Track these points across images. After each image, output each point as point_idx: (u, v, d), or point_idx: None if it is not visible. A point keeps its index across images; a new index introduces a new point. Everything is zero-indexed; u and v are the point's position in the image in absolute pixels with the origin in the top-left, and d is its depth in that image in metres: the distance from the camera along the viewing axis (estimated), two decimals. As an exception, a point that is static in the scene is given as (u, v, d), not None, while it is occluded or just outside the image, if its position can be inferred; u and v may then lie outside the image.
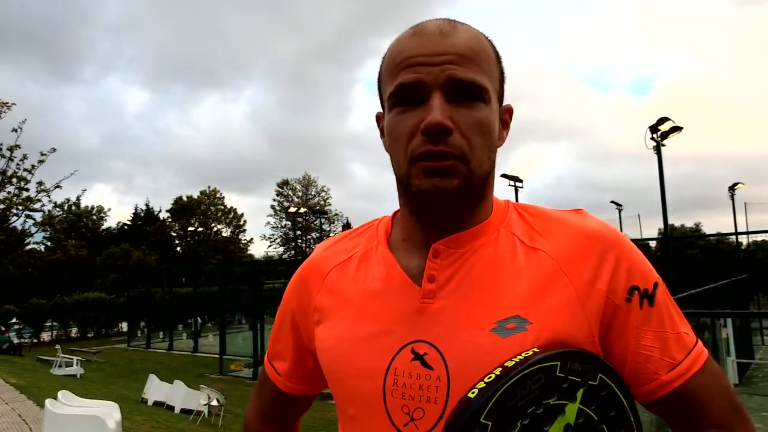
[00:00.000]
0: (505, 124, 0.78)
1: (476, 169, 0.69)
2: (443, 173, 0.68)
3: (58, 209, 26.94)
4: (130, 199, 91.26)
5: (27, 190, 23.81)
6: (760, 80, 79.36)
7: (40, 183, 23.97)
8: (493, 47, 0.75)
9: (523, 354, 0.63)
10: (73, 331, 32.01)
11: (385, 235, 0.81)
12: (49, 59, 71.50)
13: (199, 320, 26.45)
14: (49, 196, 24.54)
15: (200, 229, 47.53)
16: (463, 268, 0.72)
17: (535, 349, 0.64)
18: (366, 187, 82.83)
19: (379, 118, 0.81)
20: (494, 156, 0.74)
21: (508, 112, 0.79)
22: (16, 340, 24.03)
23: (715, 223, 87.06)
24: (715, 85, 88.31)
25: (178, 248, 51.23)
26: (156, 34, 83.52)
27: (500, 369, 0.61)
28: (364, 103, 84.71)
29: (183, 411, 10.72)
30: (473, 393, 0.60)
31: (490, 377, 0.61)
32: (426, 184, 0.68)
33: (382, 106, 0.78)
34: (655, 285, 0.72)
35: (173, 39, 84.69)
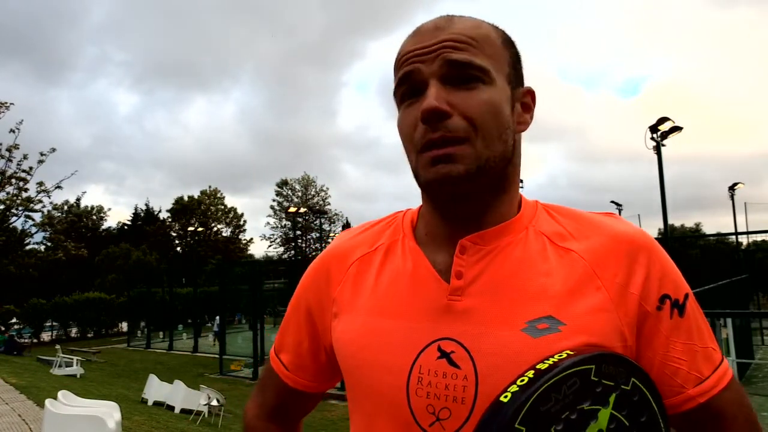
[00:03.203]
0: (527, 107, 0.75)
1: (484, 150, 0.67)
2: (446, 160, 0.66)
3: (56, 210, 26.92)
4: (124, 200, 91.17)
5: (26, 190, 23.87)
6: (751, 81, 79.88)
7: (40, 183, 24.03)
8: (500, 32, 0.74)
9: (556, 356, 0.61)
10: (73, 331, 31.97)
11: (411, 228, 0.79)
12: (37, 61, 71.44)
13: (218, 320, 26.06)
14: (49, 197, 24.61)
15: (200, 229, 47.45)
16: (492, 266, 0.70)
17: (569, 351, 0.62)
18: (358, 188, 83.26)
19: None
20: (508, 138, 0.70)
21: (529, 94, 0.76)
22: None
23: (714, 223, 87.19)
24: (706, 85, 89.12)
25: (178, 248, 51.24)
26: (146, 37, 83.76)
27: (533, 372, 0.59)
28: (354, 104, 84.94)
29: (183, 411, 10.71)
30: (506, 397, 0.58)
31: (523, 380, 0.58)
32: (431, 173, 0.67)
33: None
34: (686, 296, 0.70)
35: (163, 42, 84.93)
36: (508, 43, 0.74)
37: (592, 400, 0.59)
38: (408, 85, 0.70)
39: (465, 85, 0.67)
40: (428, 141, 0.66)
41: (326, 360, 0.83)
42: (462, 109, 0.66)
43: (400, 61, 0.71)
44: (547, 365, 0.59)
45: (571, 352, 0.61)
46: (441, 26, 0.70)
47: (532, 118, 0.76)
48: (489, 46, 0.70)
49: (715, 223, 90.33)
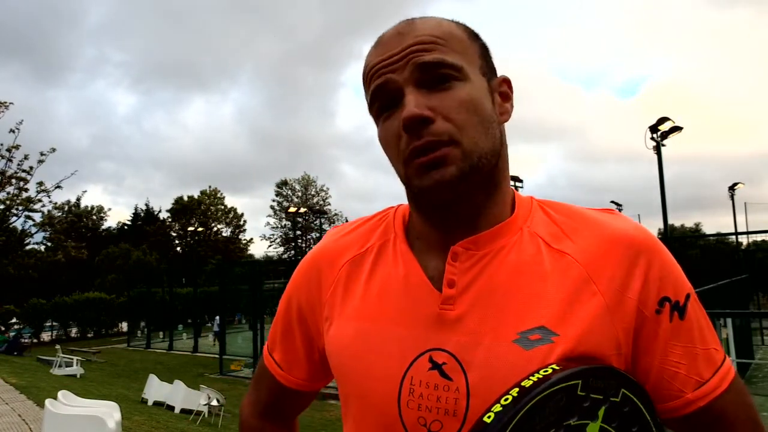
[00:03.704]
0: (505, 96, 0.73)
1: (472, 147, 0.65)
2: (436, 165, 0.64)
3: (57, 210, 26.96)
4: (124, 200, 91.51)
5: (26, 190, 23.90)
6: (751, 81, 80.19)
7: (40, 183, 24.06)
8: (463, 27, 0.72)
9: (541, 372, 0.59)
10: (73, 331, 31.95)
11: (402, 227, 0.77)
12: (36, 61, 71.57)
13: (218, 320, 25.99)
14: (49, 197, 24.63)
15: (200, 229, 47.43)
16: (485, 273, 0.68)
17: (554, 366, 0.60)
18: (358, 188, 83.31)
19: None
20: (495, 131, 0.69)
21: (505, 82, 0.74)
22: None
23: (714, 223, 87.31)
24: (706, 85, 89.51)
25: (178, 248, 51.24)
26: (145, 37, 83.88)
27: (517, 390, 0.57)
28: (352, 104, 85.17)
29: (183, 411, 10.71)
30: (489, 417, 0.56)
31: (507, 399, 0.57)
32: (426, 181, 0.65)
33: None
34: (687, 296, 0.67)
35: (162, 42, 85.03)
36: (474, 36, 0.72)
37: (579, 416, 0.58)
38: (383, 98, 0.68)
39: (441, 86, 0.66)
40: (413, 149, 0.65)
41: (319, 359, 0.82)
42: (443, 111, 0.65)
43: (369, 75, 0.69)
44: (531, 382, 0.58)
45: (557, 367, 0.60)
46: (404, 31, 0.68)
47: (512, 106, 0.74)
48: (456, 42, 0.68)
49: (715, 223, 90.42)
